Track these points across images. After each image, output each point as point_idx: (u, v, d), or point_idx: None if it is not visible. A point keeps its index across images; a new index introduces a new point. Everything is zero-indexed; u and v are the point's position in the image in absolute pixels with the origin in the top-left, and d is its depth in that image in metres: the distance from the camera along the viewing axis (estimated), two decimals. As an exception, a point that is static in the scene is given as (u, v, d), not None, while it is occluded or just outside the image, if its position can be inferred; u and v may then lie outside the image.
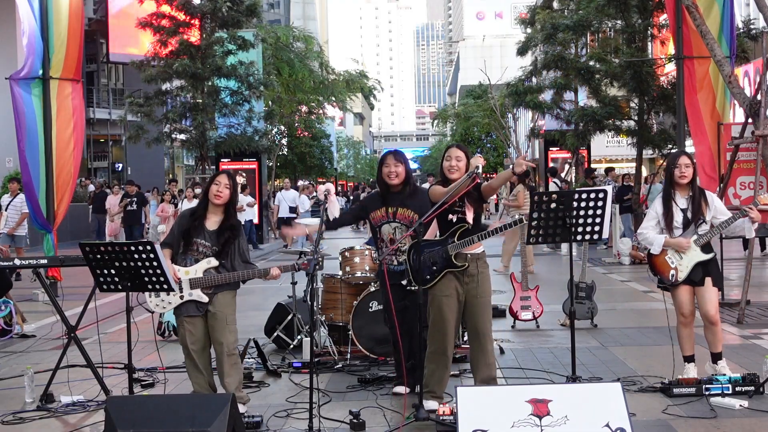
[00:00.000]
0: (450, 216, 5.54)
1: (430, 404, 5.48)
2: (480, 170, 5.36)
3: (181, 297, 5.57)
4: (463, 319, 5.75)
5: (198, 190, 16.87)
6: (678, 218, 6.01)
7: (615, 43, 18.32)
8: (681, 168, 5.97)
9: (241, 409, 5.60)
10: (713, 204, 6.06)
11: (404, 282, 5.95)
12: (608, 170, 20.32)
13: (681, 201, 6.04)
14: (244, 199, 19.05)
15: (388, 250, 5.95)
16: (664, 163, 18.16)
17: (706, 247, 5.99)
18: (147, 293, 5.61)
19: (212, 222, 5.68)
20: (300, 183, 32.05)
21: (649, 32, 16.48)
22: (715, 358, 6.12)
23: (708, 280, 5.98)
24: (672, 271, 5.99)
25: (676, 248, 5.97)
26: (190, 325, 5.60)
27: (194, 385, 5.69)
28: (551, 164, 25.68)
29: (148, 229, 20.11)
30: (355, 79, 36.51)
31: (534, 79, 22.33)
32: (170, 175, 39.92)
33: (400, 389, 6.03)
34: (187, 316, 5.60)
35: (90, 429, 5.55)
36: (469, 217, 5.57)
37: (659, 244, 6.02)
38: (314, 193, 21.06)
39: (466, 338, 7.05)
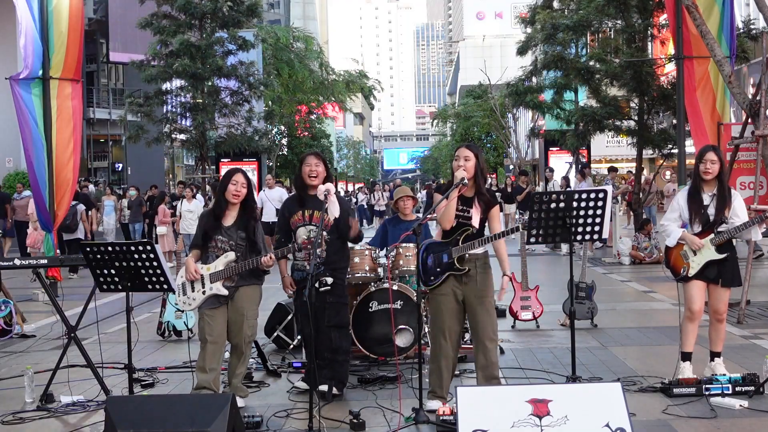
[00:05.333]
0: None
1: (432, 404, 5.50)
2: (466, 181, 5.46)
3: (203, 292, 5.76)
4: (466, 319, 5.76)
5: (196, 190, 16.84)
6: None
7: (615, 43, 18.30)
8: (706, 164, 5.92)
9: (240, 402, 5.64)
10: (734, 203, 5.99)
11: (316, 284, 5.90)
12: (610, 170, 20.27)
13: (705, 197, 5.99)
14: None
15: (303, 254, 5.98)
16: (665, 163, 18.28)
17: (722, 247, 5.94)
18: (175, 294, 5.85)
19: (229, 219, 5.87)
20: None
21: (649, 32, 16.48)
22: (714, 356, 6.14)
23: (720, 280, 5.98)
24: (684, 266, 6.01)
25: (689, 244, 5.96)
26: (210, 318, 5.76)
27: (200, 381, 5.71)
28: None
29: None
30: (354, 80, 36.52)
31: (534, 79, 22.33)
32: (170, 176, 39.94)
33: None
34: (207, 308, 5.78)
35: (90, 429, 5.54)
36: (476, 220, 5.59)
37: (675, 237, 6.02)
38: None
39: (466, 338, 7.06)
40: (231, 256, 5.75)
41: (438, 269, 5.59)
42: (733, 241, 6.09)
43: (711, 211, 5.95)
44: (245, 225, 5.83)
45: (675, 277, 6.13)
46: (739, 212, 5.99)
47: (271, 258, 5.71)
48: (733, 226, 5.93)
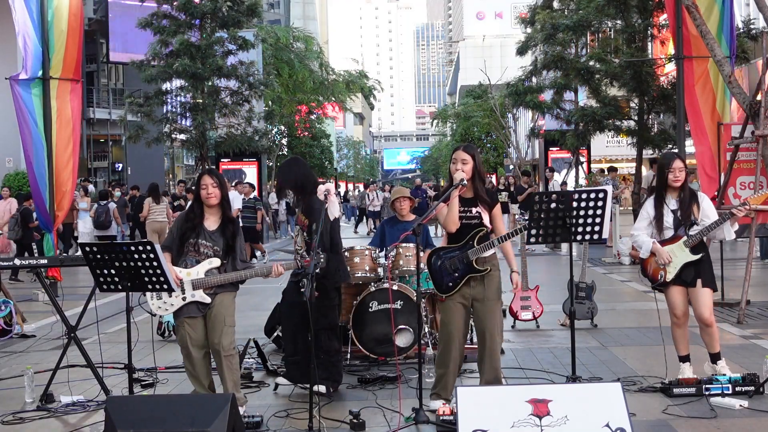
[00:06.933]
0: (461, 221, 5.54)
1: (434, 404, 5.50)
2: (465, 182, 5.45)
3: (184, 298, 5.53)
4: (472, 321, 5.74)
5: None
6: (668, 219, 5.98)
7: (615, 43, 18.32)
8: (675, 172, 5.92)
9: (239, 410, 5.61)
10: (702, 205, 6.01)
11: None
12: (610, 169, 20.23)
13: (672, 202, 6.00)
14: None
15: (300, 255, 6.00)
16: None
17: (697, 248, 5.93)
18: (149, 297, 5.58)
19: (211, 222, 5.68)
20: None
21: (649, 32, 16.49)
22: (714, 358, 6.11)
23: (699, 282, 5.95)
24: (660, 272, 5.99)
25: (658, 257, 5.96)
26: (190, 327, 5.56)
27: (194, 387, 5.69)
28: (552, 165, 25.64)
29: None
30: (354, 80, 36.57)
31: (534, 79, 22.33)
32: (170, 176, 39.93)
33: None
34: (187, 317, 5.56)
35: (90, 429, 5.54)
36: (486, 220, 5.58)
37: (647, 250, 6.02)
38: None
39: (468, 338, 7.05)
40: (215, 262, 5.53)
41: (456, 274, 5.54)
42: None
43: (680, 215, 5.95)
44: (224, 229, 5.63)
45: (653, 284, 6.12)
46: (709, 213, 5.99)
47: (281, 272, 5.56)
48: (704, 226, 5.92)
